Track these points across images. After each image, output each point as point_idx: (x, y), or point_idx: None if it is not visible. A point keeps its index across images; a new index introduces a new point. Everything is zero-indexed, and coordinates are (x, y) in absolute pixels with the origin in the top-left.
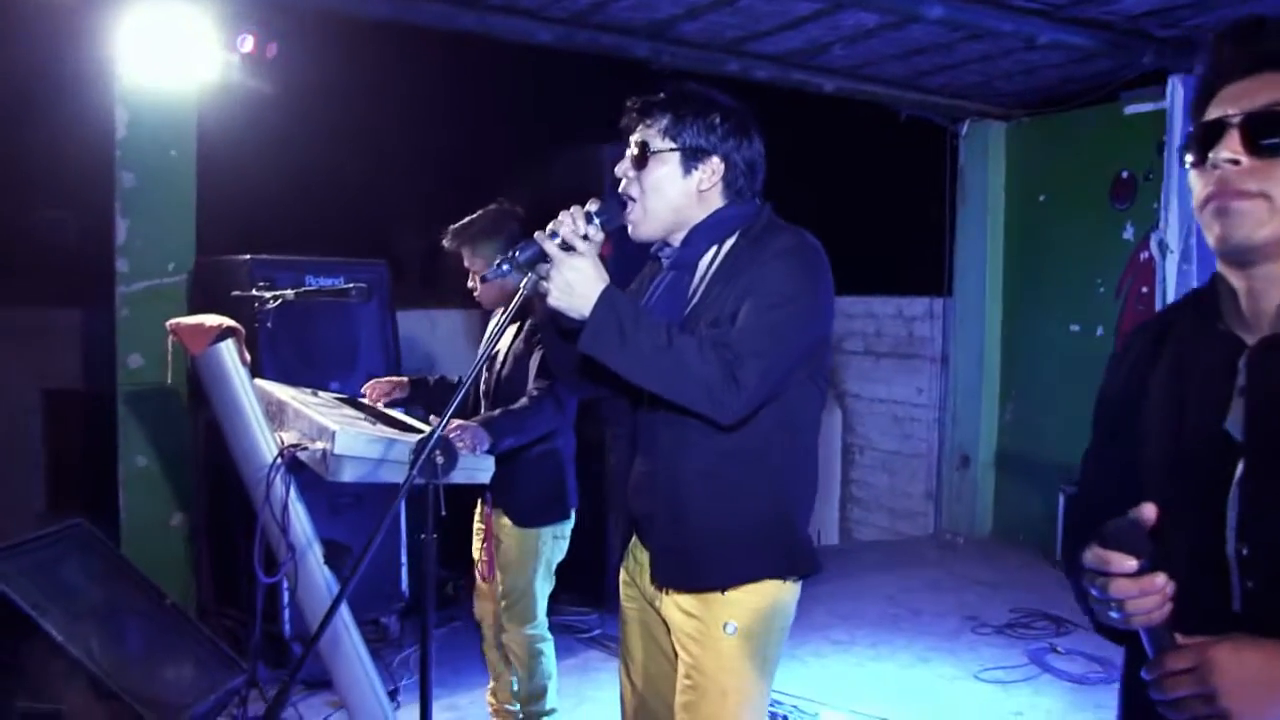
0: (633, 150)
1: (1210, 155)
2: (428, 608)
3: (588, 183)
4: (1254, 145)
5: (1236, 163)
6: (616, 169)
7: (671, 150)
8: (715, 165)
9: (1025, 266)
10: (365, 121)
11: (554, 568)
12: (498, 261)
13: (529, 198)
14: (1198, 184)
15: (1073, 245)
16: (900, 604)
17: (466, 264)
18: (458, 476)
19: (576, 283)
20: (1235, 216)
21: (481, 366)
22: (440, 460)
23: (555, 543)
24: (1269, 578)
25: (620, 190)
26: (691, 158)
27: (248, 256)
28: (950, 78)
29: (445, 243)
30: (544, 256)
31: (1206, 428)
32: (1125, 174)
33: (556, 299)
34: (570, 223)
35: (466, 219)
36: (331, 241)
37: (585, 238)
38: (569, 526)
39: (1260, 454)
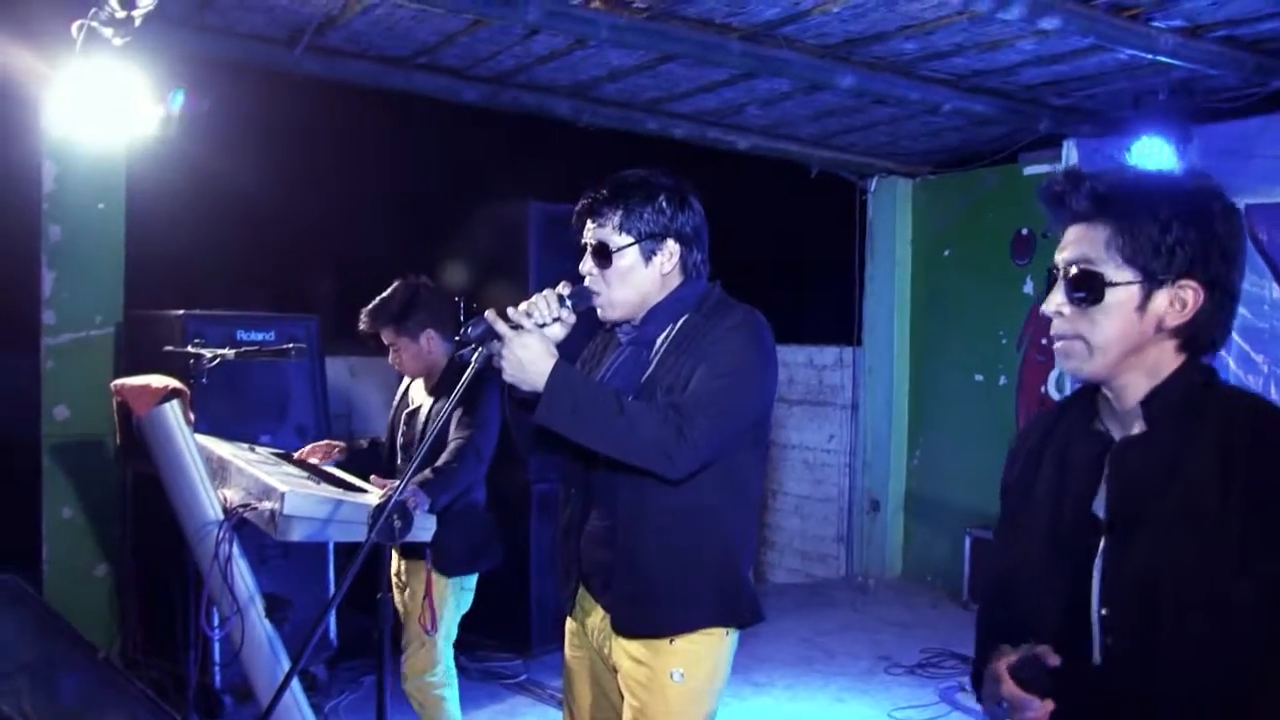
0: (592, 250)
1: (1044, 306)
2: (384, 662)
3: (515, 237)
4: (1071, 297)
5: (1061, 314)
6: (581, 267)
7: (630, 244)
8: (672, 248)
9: (931, 318)
10: (293, 176)
11: (459, 619)
12: (466, 356)
13: (457, 252)
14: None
15: (976, 298)
16: (815, 646)
17: (386, 342)
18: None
19: (528, 360)
20: (1064, 355)
21: (400, 423)
22: (398, 524)
23: (463, 594)
24: (1123, 635)
25: (587, 284)
26: (649, 246)
27: (180, 312)
28: (859, 138)
29: (363, 326)
30: (494, 334)
31: (1079, 510)
32: (1025, 231)
33: (510, 375)
34: (544, 305)
35: (379, 300)
36: (255, 289)
37: (558, 320)
38: (475, 579)
39: (1117, 532)
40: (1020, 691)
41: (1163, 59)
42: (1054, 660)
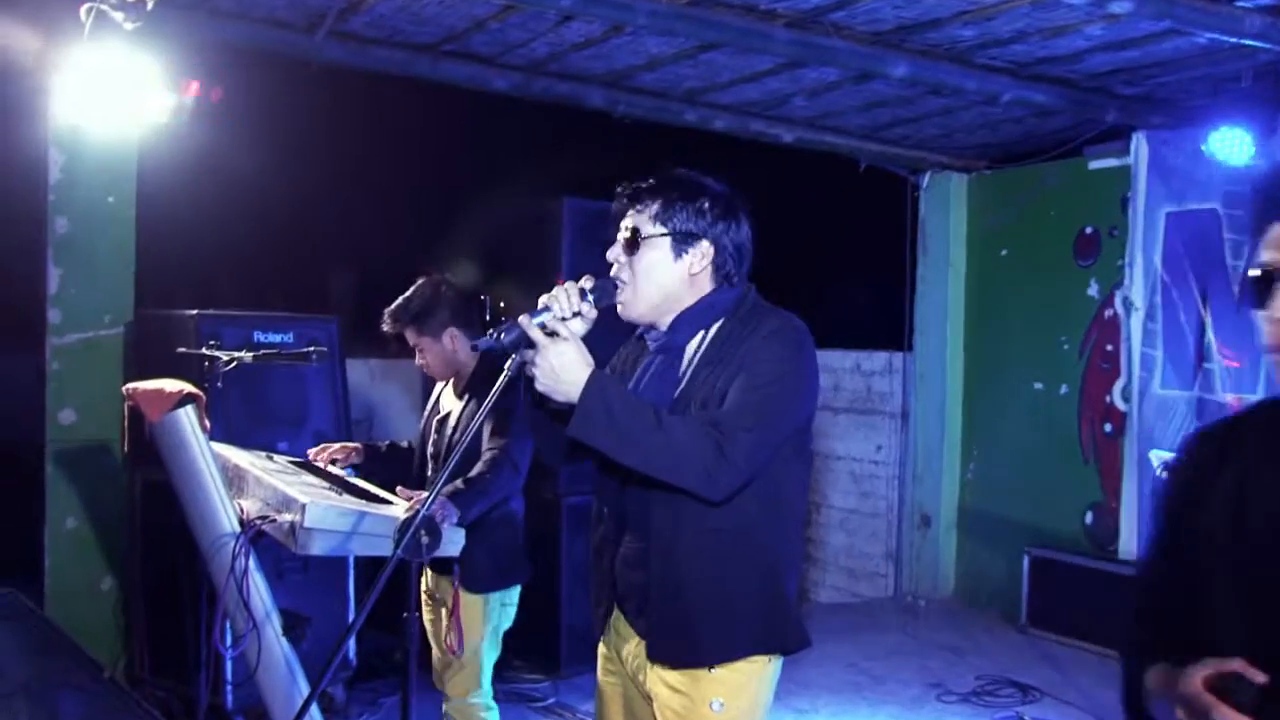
0: (624, 235)
1: (1267, 310)
2: (409, 682)
3: (547, 234)
4: None
5: None
6: (608, 254)
7: (662, 235)
8: (705, 249)
9: (987, 321)
10: (313, 169)
11: (500, 635)
12: (481, 345)
13: (486, 250)
14: (1263, 326)
15: (1036, 301)
16: (862, 670)
17: (410, 343)
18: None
19: (562, 368)
20: None
21: (430, 431)
22: (425, 540)
23: (504, 610)
24: None
25: (612, 274)
26: (682, 242)
27: (194, 312)
28: (911, 130)
29: (385, 327)
30: (528, 340)
31: (1275, 543)
32: (1089, 230)
33: (542, 383)
34: (565, 299)
35: (401, 299)
36: (272, 287)
37: (579, 314)
38: (517, 593)
39: None
40: (1232, 711)
41: (1248, 42)
42: (1260, 678)
